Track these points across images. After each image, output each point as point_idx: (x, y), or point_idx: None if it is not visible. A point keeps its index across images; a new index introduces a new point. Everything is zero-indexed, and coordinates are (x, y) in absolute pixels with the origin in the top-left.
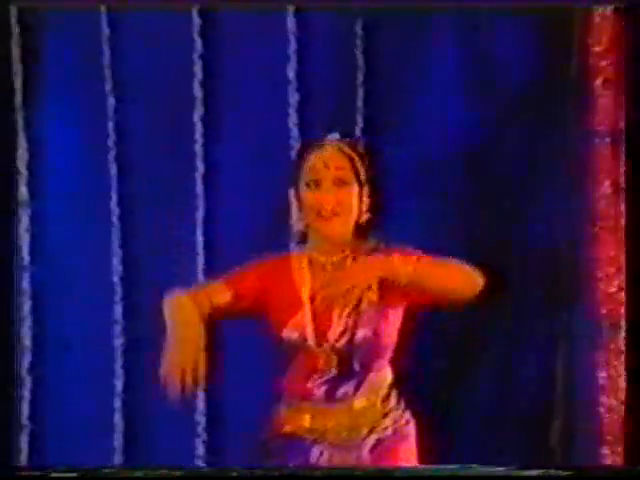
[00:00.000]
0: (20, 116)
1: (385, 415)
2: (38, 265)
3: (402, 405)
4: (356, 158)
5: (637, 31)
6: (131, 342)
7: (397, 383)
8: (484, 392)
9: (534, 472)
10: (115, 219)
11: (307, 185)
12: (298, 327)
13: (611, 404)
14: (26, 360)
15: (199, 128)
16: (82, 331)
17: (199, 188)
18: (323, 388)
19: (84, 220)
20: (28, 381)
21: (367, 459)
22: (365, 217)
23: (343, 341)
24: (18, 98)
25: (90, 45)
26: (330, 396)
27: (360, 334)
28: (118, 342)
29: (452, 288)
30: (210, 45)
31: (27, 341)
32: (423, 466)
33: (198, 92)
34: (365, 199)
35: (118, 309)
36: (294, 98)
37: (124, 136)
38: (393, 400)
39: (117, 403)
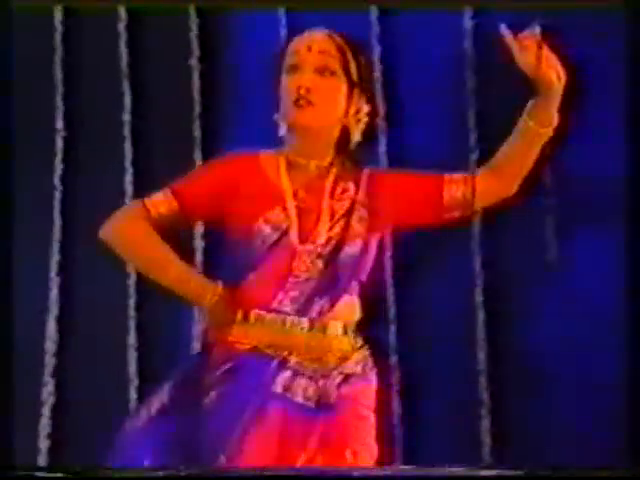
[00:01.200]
0: None
1: (354, 350)
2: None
3: (367, 348)
4: (348, 50)
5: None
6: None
7: (365, 320)
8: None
9: (534, 472)
10: None
11: (286, 71)
12: (276, 220)
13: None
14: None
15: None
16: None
17: None
18: (296, 297)
19: None
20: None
21: (333, 394)
22: (357, 123)
23: (329, 248)
24: None
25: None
26: (303, 309)
27: (348, 247)
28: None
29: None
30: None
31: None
32: (423, 466)
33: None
34: (357, 101)
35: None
36: None
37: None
38: (360, 337)
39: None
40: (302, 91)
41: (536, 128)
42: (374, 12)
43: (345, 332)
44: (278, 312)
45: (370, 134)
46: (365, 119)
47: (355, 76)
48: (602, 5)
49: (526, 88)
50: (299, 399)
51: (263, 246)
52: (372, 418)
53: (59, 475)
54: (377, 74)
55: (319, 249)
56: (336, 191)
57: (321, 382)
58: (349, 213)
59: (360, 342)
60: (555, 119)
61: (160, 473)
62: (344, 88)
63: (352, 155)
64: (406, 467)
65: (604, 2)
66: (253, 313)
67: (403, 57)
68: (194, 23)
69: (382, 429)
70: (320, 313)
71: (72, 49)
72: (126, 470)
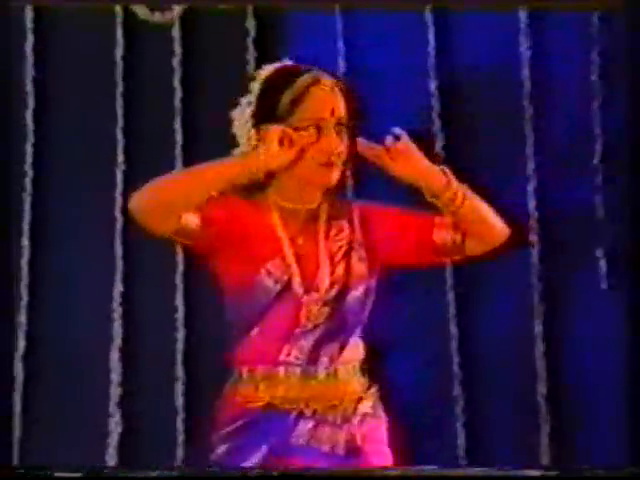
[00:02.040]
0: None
1: (365, 390)
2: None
3: (375, 386)
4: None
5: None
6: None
7: (370, 357)
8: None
9: (533, 472)
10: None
11: (303, 128)
12: (277, 271)
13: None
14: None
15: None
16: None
17: None
18: (304, 347)
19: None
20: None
21: (359, 437)
22: (341, 163)
23: (334, 293)
24: None
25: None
26: (312, 357)
27: (354, 290)
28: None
29: (491, 225)
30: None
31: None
32: (422, 466)
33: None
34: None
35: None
36: None
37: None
38: (367, 374)
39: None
40: (334, 157)
41: (447, 203)
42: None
43: (355, 374)
44: (287, 365)
45: (353, 170)
46: (344, 157)
47: (350, 123)
48: (602, 5)
49: None
50: (326, 448)
51: (266, 299)
52: (389, 453)
53: (59, 475)
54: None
55: (324, 296)
56: (331, 232)
57: (345, 428)
58: (348, 254)
59: (367, 381)
60: (459, 193)
61: (160, 473)
62: (347, 139)
63: (337, 192)
64: (413, 468)
65: (604, 2)
66: (261, 370)
67: (463, 58)
68: (251, 25)
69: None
70: (331, 359)
71: (133, 52)
72: (126, 470)
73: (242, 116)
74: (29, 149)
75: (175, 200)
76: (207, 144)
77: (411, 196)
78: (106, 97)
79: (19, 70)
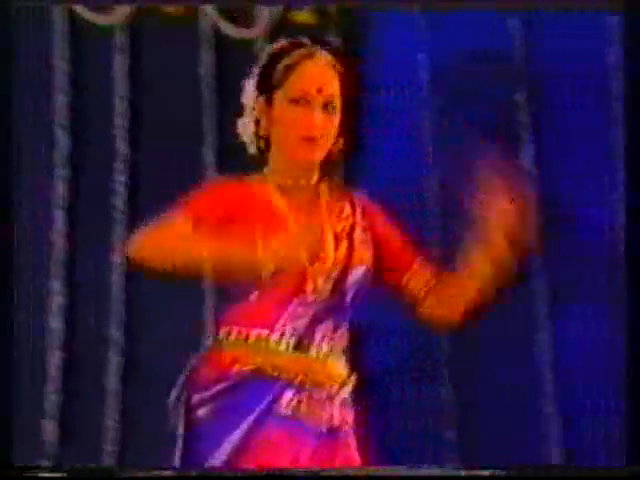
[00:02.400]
0: None
1: (349, 376)
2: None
3: (354, 375)
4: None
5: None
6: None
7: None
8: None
9: (530, 472)
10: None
11: (293, 101)
12: (284, 245)
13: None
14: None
15: None
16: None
17: None
18: (302, 320)
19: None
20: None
21: (336, 418)
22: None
23: (337, 270)
24: None
25: None
26: (307, 333)
27: (355, 270)
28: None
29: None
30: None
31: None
32: (422, 467)
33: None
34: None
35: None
36: None
37: None
38: (349, 360)
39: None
40: (315, 132)
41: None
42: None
43: (341, 357)
44: (282, 334)
45: (348, 150)
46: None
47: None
48: (602, 5)
49: None
50: (309, 423)
51: (268, 268)
52: (354, 441)
53: (59, 475)
54: None
55: (329, 270)
56: (333, 211)
57: (327, 406)
58: (350, 235)
59: (348, 367)
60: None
61: (160, 473)
62: (338, 118)
63: (334, 170)
64: (400, 467)
65: (604, 2)
66: (255, 333)
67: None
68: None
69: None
70: (324, 337)
71: (186, 55)
72: (126, 470)
73: (248, 86)
74: None
75: (174, 256)
76: None
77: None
78: None
79: None
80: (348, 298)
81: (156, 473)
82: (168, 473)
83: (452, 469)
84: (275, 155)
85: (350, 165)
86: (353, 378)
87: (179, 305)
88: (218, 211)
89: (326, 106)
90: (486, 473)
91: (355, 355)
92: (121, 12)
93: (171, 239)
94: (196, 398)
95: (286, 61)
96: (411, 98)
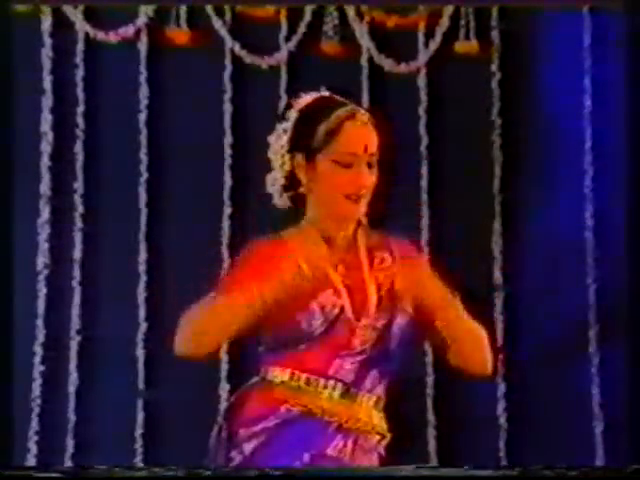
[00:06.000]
0: None
1: (386, 432)
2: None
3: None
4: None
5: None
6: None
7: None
8: None
9: (530, 472)
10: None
11: (339, 162)
12: (329, 301)
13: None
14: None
15: None
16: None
17: None
18: (351, 368)
19: None
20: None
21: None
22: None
23: (382, 321)
24: None
25: None
26: (356, 380)
27: (399, 318)
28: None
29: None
30: None
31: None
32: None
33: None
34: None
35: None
36: None
37: None
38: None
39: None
40: (363, 191)
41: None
42: None
43: (381, 409)
44: (331, 381)
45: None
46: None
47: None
48: (602, 5)
49: None
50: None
51: (317, 325)
52: None
53: (57, 475)
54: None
55: (374, 322)
56: (374, 262)
57: (369, 455)
58: (392, 285)
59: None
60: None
61: (160, 473)
62: (377, 172)
63: (368, 221)
64: (409, 467)
65: (604, 2)
66: (305, 377)
67: None
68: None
69: None
70: (371, 387)
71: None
72: (126, 470)
73: (278, 142)
74: None
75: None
76: None
77: None
78: None
79: None
80: (393, 347)
81: (157, 472)
82: (169, 473)
83: (457, 468)
84: (315, 209)
85: None
86: (388, 438)
87: None
88: (260, 276)
89: (369, 164)
90: (487, 473)
91: (394, 409)
92: None
93: (217, 326)
94: (242, 432)
95: (327, 125)
96: None
